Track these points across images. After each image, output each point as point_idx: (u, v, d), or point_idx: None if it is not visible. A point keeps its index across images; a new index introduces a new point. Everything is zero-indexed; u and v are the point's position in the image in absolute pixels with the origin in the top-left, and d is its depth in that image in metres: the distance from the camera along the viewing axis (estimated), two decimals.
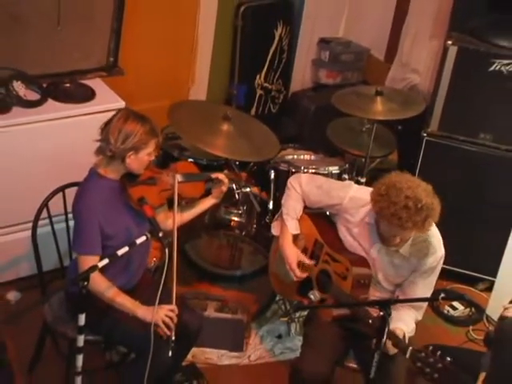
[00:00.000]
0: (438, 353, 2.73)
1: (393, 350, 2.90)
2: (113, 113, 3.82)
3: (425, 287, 3.16)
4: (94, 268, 2.72)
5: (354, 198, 3.21)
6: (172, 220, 3.09)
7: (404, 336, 2.98)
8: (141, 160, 3.03)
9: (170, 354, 3.03)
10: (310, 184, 3.39)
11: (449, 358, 2.69)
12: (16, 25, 3.66)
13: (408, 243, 3.10)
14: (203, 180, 3.36)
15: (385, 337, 2.77)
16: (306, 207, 3.43)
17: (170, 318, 3.01)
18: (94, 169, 3.08)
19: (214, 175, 3.35)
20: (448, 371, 2.67)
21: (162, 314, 3.00)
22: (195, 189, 3.33)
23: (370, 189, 3.11)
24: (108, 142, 2.97)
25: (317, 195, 3.35)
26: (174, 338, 3.01)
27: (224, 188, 3.36)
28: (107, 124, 3.03)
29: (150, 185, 3.11)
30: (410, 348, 2.82)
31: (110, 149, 2.98)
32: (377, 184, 3.01)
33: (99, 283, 2.97)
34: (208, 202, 3.39)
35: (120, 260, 3.09)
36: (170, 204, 3.20)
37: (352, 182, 3.40)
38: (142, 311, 3.01)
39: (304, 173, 3.86)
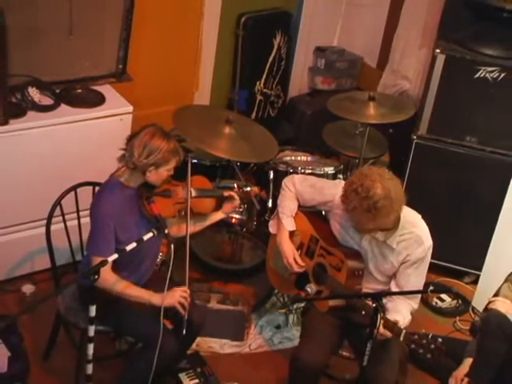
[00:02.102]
0: (430, 335, 2.74)
1: (386, 334, 2.88)
2: (121, 117, 3.89)
3: (417, 277, 3.16)
4: (104, 263, 2.72)
5: None
6: (183, 231, 3.19)
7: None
8: (160, 175, 3.04)
9: (184, 331, 3.07)
10: (303, 184, 3.41)
11: (440, 339, 2.70)
12: (31, 35, 3.66)
13: (395, 235, 3.11)
14: (216, 196, 3.36)
15: (378, 325, 2.78)
16: (300, 206, 3.44)
17: (185, 298, 3.03)
18: (117, 178, 3.07)
19: (226, 193, 3.35)
20: (440, 351, 2.68)
21: (177, 297, 3.02)
22: (207, 204, 3.32)
23: None
24: (132, 154, 2.97)
25: (310, 193, 3.38)
26: (186, 316, 3.04)
27: (236, 204, 3.38)
28: (134, 136, 3.02)
29: (166, 197, 3.12)
30: (404, 331, 2.83)
31: (132, 161, 2.98)
32: (361, 169, 3.10)
33: (107, 279, 2.96)
34: (217, 216, 3.38)
35: (131, 263, 3.10)
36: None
37: (342, 180, 3.43)
38: (157, 298, 3.01)
39: (301, 173, 3.87)
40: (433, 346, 2.69)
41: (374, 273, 3.23)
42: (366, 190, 2.91)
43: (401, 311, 3.09)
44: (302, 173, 3.90)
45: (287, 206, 3.43)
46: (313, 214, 3.46)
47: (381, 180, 2.95)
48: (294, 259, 3.36)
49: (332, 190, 3.28)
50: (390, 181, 2.98)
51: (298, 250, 3.41)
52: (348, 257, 3.17)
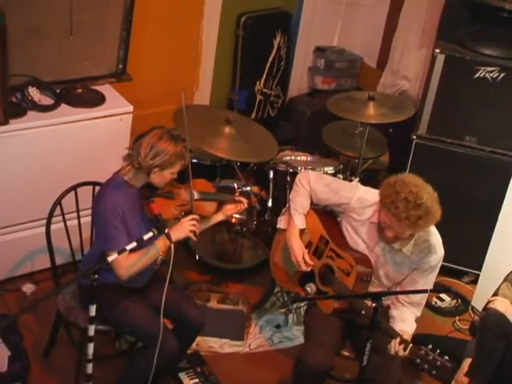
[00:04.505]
0: (437, 351, 2.73)
1: (403, 354, 2.88)
2: (121, 117, 3.89)
3: (425, 285, 3.15)
4: (103, 262, 2.72)
5: (360, 199, 3.20)
6: None
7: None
8: (164, 177, 3.05)
9: (197, 257, 3.14)
10: (318, 182, 3.36)
11: (446, 357, 2.69)
12: (32, 35, 3.66)
13: (411, 243, 3.09)
14: (218, 200, 3.36)
15: (396, 346, 2.79)
16: (312, 204, 3.40)
17: (194, 226, 3.05)
18: (121, 177, 3.07)
19: (237, 198, 3.36)
20: (446, 369, 2.67)
21: (187, 226, 3.04)
22: (208, 208, 3.31)
23: (376, 190, 3.12)
24: (138, 153, 2.98)
25: (325, 193, 3.33)
26: (195, 239, 3.08)
27: (241, 208, 3.38)
28: (141, 136, 3.02)
29: (168, 198, 3.12)
30: (411, 345, 2.82)
31: (138, 161, 2.98)
32: (391, 176, 3.04)
33: (128, 264, 2.97)
34: (217, 218, 3.37)
35: None
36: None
37: (359, 184, 3.38)
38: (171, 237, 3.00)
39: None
40: (439, 363, 2.68)
41: (383, 278, 3.21)
42: (415, 196, 2.88)
43: (407, 320, 3.10)
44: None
45: (300, 202, 3.37)
46: (324, 212, 3.43)
47: (422, 185, 2.95)
48: (303, 258, 3.34)
49: (348, 193, 3.24)
50: (427, 183, 2.99)
51: (306, 248, 3.37)
52: (358, 262, 3.15)
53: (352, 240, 3.25)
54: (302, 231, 3.41)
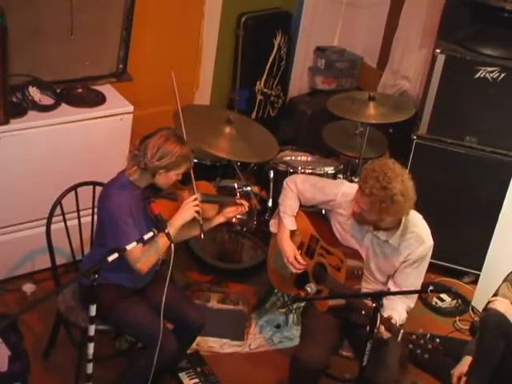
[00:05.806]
0: (428, 335, 2.75)
1: (386, 335, 2.91)
2: (122, 116, 3.89)
3: (416, 277, 3.18)
4: (103, 261, 2.71)
5: (345, 193, 3.24)
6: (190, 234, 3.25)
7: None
8: (169, 178, 3.05)
9: (203, 236, 3.14)
10: (304, 183, 3.42)
11: (438, 340, 2.71)
12: (33, 35, 3.66)
13: (397, 234, 3.12)
14: (220, 202, 3.36)
15: (377, 325, 2.78)
16: (301, 205, 3.44)
17: (197, 206, 3.08)
18: (127, 177, 3.07)
19: (238, 201, 3.37)
20: (437, 352, 2.69)
21: (191, 207, 3.06)
22: (210, 210, 3.30)
23: None
24: (145, 155, 2.98)
25: (311, 192, 3.38)
26: (200, 218, 3.11)
27: (241, 211, 3.38)
28: (148, 137, 3.03)
29: (172, 199, 3.12)
30: (402, 331, 2.83)
31: (144, 162, 2.98)
32: (381, 159, 3.10)
33: (139, 256, 2.99)
34: (217, 220, 3.36)
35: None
36: None
37: (344, 180, 3.44)
38: (175, 222, 3.03)
39: (301, 173, 3.87)
40: (430, 347, 2.70)
41: (375, 272, 3.23)
42: (387, 180, 2.94)
43: (396, 309, 3.09)
44: (302, 173, 3.90)
45: (289, 205, 3.43)
46: (313, 213, 3.47)
47: (402, 176, 2.98)
48: (295, 258, 3.36)
49: (334, 190, 3.29)
50: (410, 181, 3.01)
51: (298, 249, 3.41)
52: (347, 256, 3.18)
53: (341, 236, 3.28)
54: (293, 233, 3.44)
